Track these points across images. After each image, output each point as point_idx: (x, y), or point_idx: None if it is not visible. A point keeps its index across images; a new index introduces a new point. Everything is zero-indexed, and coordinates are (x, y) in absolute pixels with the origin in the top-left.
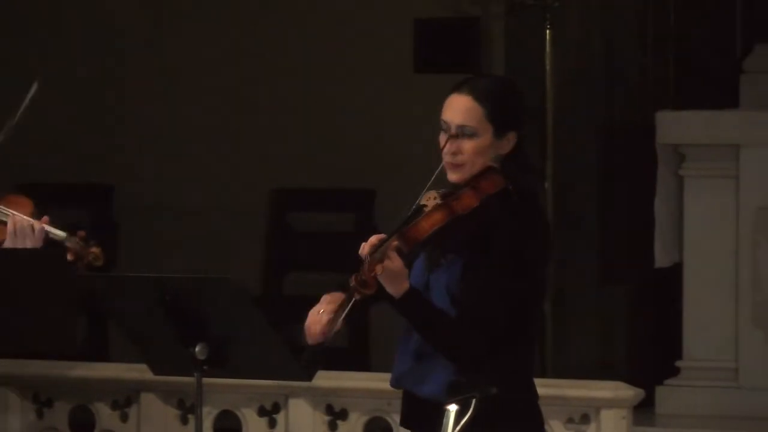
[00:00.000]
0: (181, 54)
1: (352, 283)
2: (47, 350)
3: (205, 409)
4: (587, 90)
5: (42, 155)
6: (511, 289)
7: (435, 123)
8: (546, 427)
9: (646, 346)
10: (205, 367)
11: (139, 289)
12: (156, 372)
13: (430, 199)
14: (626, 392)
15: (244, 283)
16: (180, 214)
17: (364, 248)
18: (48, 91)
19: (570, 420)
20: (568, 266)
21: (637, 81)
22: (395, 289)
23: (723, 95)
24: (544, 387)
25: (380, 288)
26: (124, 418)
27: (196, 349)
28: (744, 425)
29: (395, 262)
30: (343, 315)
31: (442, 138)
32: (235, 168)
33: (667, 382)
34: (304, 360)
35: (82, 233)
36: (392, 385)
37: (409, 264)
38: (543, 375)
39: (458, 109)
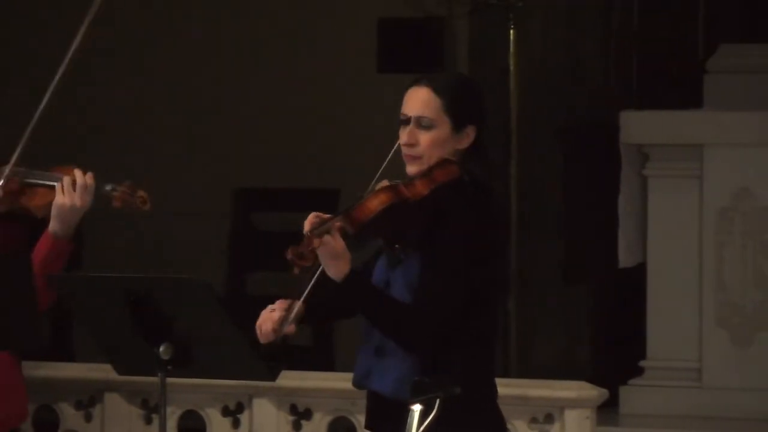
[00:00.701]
0: (142, 54)
1: (290, 256)
2: (15, 350)
3: (169, 409)
4: (551, 89)
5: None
6: (463, 277)
7: (398, 122)
8: (510, 426)
9: (609, 346)
10: (169, 367)
11: (104, 289)
12: (120, 372)
13: (381, 186)
14: (590, 392)
15: (209, 283)
16: (144, 214)
17: (306, 224)
18: (5, 89)
19: (534, 420)
20: (531, 266)
21: (601, 81)
22: (336, 270)
23: (686, 95)
24: (508, 387)
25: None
26: (88, 418)
27: (161, 349)
28: (707, 425)
29: (336, 240)
30: (294, 313)
31: (402, 132)
32: (199, 168)
33: (631, 382)
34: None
35: (128, 182)
36: (354, 384)
37: (357, 250)
38: (507, 375)
39: (416, 100)
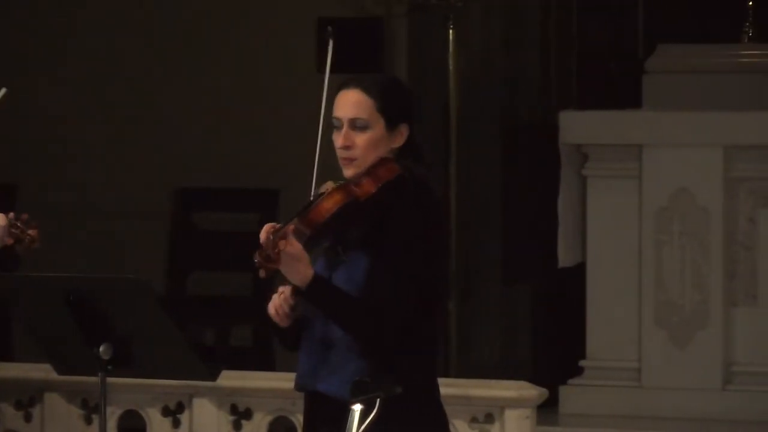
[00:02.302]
0: (83, 54)
1: (257, 259)
2: None
3: (109, 409)
4: (491, 90)
5: None
6: (410, 275)
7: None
8: (450, 426)
9: (549, 345)
10: (109, 367)
11: (43, 288)
12: (60, 372)
13: (328, 187)
14: (530, 392)
15: (149, 283)
16: (84, 213)
17: (262, 234)
18: None
19: (474, 419)
20: (471, 265)
21: (541, 81)
22: (298, 276)
23: (625, 95)
24: (448, 386)
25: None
26: (28, 418)
27: (101, 349)
28: (647, 425)
29: (294, 245)
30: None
31: (336, 136)
32: (139, 167)
33: (571, 381)
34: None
35: (24, 216)
36: (297, 387)
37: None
38: (447, 374)
39: (348, 103)
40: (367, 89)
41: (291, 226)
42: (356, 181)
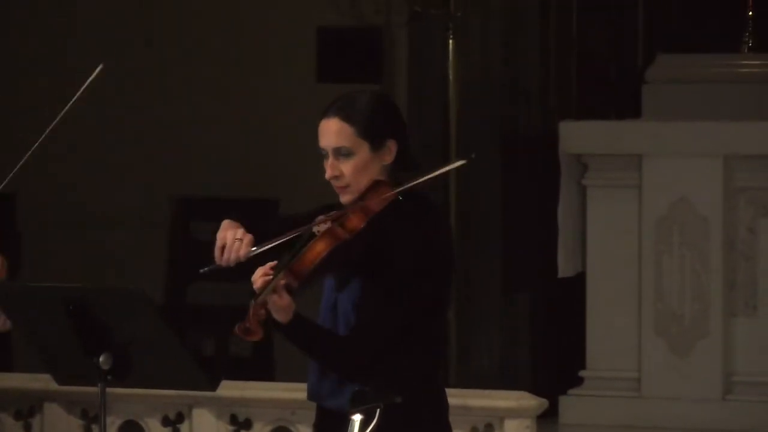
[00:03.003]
0: (83, 63)
1: (237, 332)
2: None
3: (109, 419)
4: (490, 99)
5: None
6: (407, 301)
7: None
8: None
9: (549, 355)
10: (109, 377)
11: (43, 298)
12: (60, 382)
13: (320, 224)
14: (530, 402)
15: (148, 293)
16: (83, 222)
17: (256, 281)
18: None
19: (474, 429)
20: (471, 275)
21: (540, 91)
22: (281, 317)
23: (625, 105)
24: (448, 396)
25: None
26: (28, 428)
27: (100, 359)
28: None
29: (282, 298)
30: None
31: (325, 165)
32: (139, 176)
33: (571, 392)
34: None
35: None
36: (309, 397)
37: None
38: (446, 384)
39: (329, 133)
40: (345, 116)
41: (281, 282)
42: (343, 220)
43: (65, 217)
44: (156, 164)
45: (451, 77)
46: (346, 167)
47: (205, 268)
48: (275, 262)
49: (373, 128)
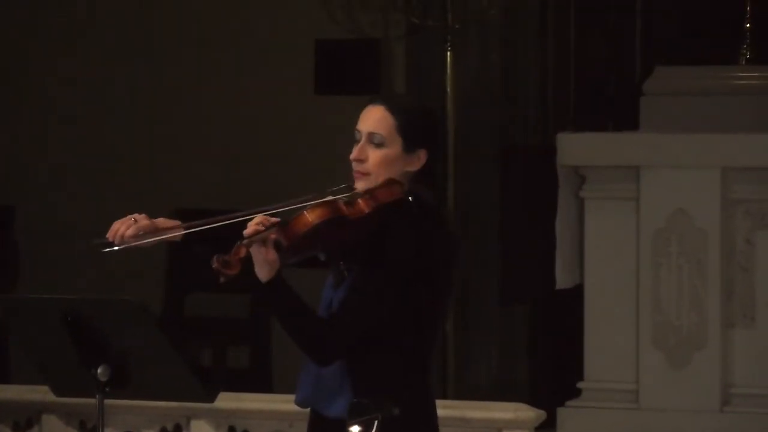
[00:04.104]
0: (85, 76)
1: (215, 264)
2: None
3: (107, 431)
4: (488, 111)
5: None
6: (387, 299)
7: (336, 143)
8: None
9: (547, 367)
10: (107, 389)
11: (40, 310)
12: (58, 393)
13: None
14: (528, 413)
15: (146, 304)
16: (81, 234)
17: (249, 226)
18: None
19: None
20: (469, 287)
21: (538, 102)
22: (263, 273)
23: (623, 117)
24: (446, 408)
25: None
26: None
27: (98, 370)
28: None
29: (269, 252)
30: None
31: (355, 148)
32: (137, 188)
33: (569, 403)
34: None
35: None
36: (296, 403)
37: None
38: (444, 396)
39: (370, 117)
40: (391, 107)
41: (272, 235)
42: (351, 200)
43: (63, 228)
44: (154, 176)
45: (448, 89)
46: (374, 155)
47: (95, 241)
48: (277, 219)
49: (412, 129)
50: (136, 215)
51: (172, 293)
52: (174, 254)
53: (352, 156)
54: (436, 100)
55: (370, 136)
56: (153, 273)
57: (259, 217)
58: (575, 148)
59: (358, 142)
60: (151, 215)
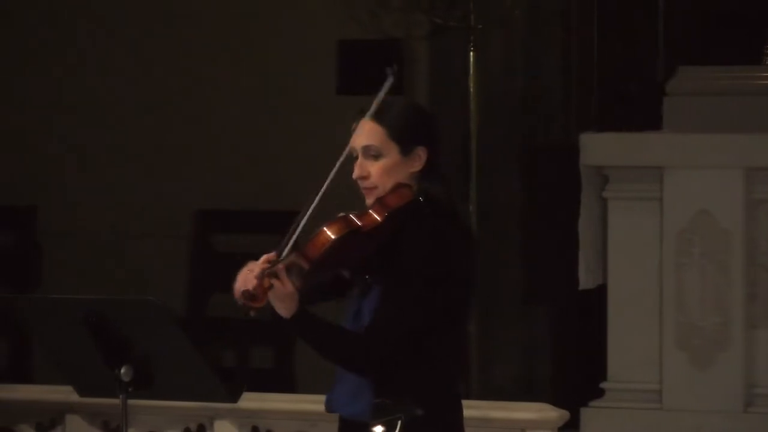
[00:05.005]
0: (102, 76)
1: (241, 300)
2: None
3: (131, 431)
4: (511, 112)
5: None
6: (415, 303)
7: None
8: None
9: (570, 367)
10: (130, 389)
11: (63, 310)
12: (81, 394)
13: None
14: (551, 414)
15: (168, 304)
16: (103, 235)
17: (257, 267)
18: None
19: None
20: (492, 287)
21: (561, 103)
22: (284, 310)
23: (646, 117)
24: (468, 408)
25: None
26: None
27: (121, 370)
28: None
29: (286, 285)
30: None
31: (355, 166)
32: (159, 189)
33: (592, 403)
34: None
35: None
36: (325, 408)
37: (319, 287)
38: (467, 396)
39: (360, 133)
40: (378, 117)
41: (281, 265)
42: (362, 212)
43: (85, 229)
44: (177, 177)
45: (471, 90)
46: (374, 168)
47: (245, 316)
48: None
49: (404, 132)
50: (249, 264)
51: (195, 293)
52: (196, 255)
53: (355, 175)
54: (458, 100)
55: (365, 150)
56: (176, 273)
57: (265, 255)
58: (598, 148)
59: (356, 160)
60: (173, 216)
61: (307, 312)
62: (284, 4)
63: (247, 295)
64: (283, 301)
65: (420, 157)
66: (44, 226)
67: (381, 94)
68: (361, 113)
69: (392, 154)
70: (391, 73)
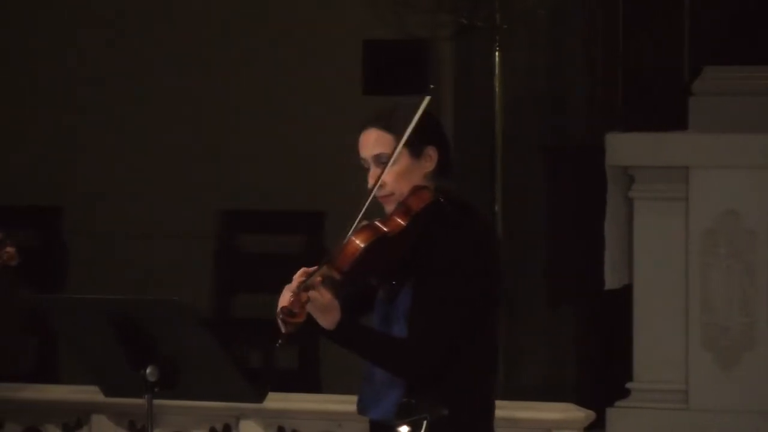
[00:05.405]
0: (132, 78)
1: (280, 315)
2: None
3: (156, 431)
4: (536, 111)
5: None
6: (451, 304)
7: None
8: None
9: (596, 367)
10: (155, 389)
11: (89, 311)
12: (107, 394)
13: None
14: (577, 414)
15: (193, 305)
16: (129, 235)
17: (293, 282)
18: None
19: None
20: (517, 288)
21: (587, 102)
22: (327, 321)
23: (672, 117)
24: (495, 409)
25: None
26: None
27: (147, 371)
28: None
29: (323, 294)
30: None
31: (369, 176)
32: (185, 190)
33: (618, 403)
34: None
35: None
36: (357, 410)
37: (347, 294)
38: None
39: (368, 142)
40: (383, 125)
41: (318, 277)
42: (385, 218)
43: (111, 229)
44: (202, 176)
45: (497, 89)
46: (388, 175)
47: (279, 342)
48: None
49: (411, 135)
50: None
51: (220, 293)
52: (222, 255)
53: (370, 185)
54: (483, 100)
55: (376, 158)
56: (201, 273)
57: (300, 270)
58: (624, 148)
59: (367, 170)
60: (199, 216)
61: (350, 320)
62: (311, 5)
63: (286, 311)
64: (324, 312)
65: (431, 156)
66: (70, 227)
67: (419, 113)
68: (364, 125)
69: (403, 158)
70: (428, 93)
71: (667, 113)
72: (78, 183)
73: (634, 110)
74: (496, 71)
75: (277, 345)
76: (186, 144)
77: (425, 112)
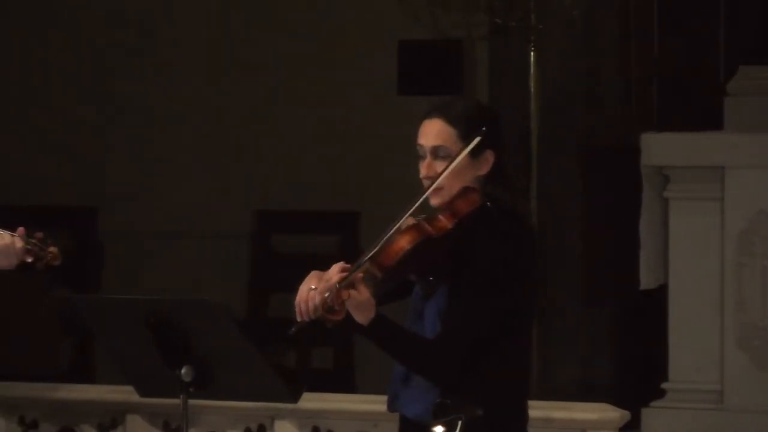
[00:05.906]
0: (164, 78)
1: (320, 312)
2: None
3: (191, 431)
4: (571, 111)
5: (26, 178)
6: (486, 308)
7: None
8: None
9: (631, 367)
10: (190, 389)
11: (124, 311)
12: (142, 394)
13: (407, 224)
14: (612, 414)
15: (228, 305)
16: (164, 236)
17: (332, 277)
18: (32, 113)
19: None
20: (552, 288)
21: (622, 103)
22: (362, 317)
23: (707, 117)
24: (530, 409)
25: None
26: None
27: (182, 371)
28: None
29: (362, 293)
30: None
31: (420, 165)
32: (220, 190)
33: (653, 404)
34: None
35: (39, 234)
36: (387, 408)
37: (385, 291)
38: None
39: (430, 132)
40: (449, 118)
41: (359, 274)
42: (432, 218)
43: (146, 230)
44: (237, 177)
45: (531, 89)
46: (442, 168)
47: (292, 329)
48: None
49: (473, 133)
50: (313, 282)
51: (255, 294)
52: (257, 255)
53: (422, 174)
54: (519, 100)
55: (434, 150)
56: (236, 273)
57: (338, 266)
58: (659, 148)
59: (422, 158)
60: (232, 216)
61: (385, 318)
62: (346, 5)
63: (326, 308)
64: (361, 309)
65: (488, 161)
66: (105, 227)
67: (467, 150)
68: (429, 113)
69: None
70: (482, 134)
71: (702, 113)
72: (113, 184)
73: (669, 110)
74: (531, 71)
75: (290, 333)
76: (221, 144)
77: (494, 115)
